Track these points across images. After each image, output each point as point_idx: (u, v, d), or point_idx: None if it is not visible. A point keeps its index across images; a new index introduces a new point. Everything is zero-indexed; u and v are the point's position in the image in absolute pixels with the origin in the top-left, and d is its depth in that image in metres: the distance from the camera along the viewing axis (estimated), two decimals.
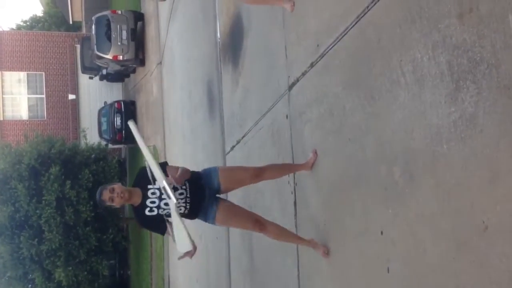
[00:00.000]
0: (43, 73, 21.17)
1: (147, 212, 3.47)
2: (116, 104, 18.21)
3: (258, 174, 3.74)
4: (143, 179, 3.52)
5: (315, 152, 3.71)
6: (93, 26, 16.25)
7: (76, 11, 27.17)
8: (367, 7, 2.93)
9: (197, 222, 3.99)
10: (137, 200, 3.48)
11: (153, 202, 3.45)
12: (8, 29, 27.77)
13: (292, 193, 4.22)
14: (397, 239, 2.72)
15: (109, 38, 15.83)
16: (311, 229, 3.82)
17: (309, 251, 3.89)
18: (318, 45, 3.61)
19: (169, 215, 3.48)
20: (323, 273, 3.68)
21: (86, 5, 25.66)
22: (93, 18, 16.57)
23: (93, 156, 15.78)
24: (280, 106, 4.44)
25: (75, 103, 21.40)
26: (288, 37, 4.20)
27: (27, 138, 15.30)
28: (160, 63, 13.28)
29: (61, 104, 21.23)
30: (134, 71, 18.14)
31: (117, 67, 17.43)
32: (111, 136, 18.09)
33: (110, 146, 18.83)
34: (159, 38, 13.49)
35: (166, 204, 3.42)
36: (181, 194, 3.49)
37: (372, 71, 2.89)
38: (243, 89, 5.72)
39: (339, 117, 3.33)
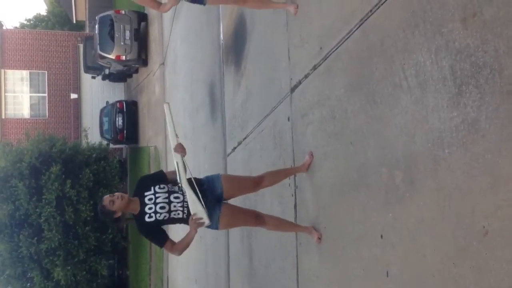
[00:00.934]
0: (46, 72, 21.19)
1: (146, 219, 3.54)
2: (118, 104, 18.23)
3: (257, 182, 3.84)
4: (140, 188, 3.63)
5: (311, 154, 3.78)
6: (97, 26, 16.28)
7: (79, 10, 27.23)
8: (371, 10, 2.93)
9: None
10: (136, 208, 3.57)
11: (150, 208, 3.53)
12: (12, 28, 27.84)
13: (292, 196, 4.21)
14: (397, 243, 2.71)
15: (112, 38, 15.85)
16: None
17: (308, 254, 3.89)
18: (321, 48, 3.61)
19: (168, 220, 3.56)
20: (322, 276, 3.67)
21: (90, 5, 25.71)
22: (96, 17, 16.59)
23: (94, 155, 15.78)
24: (282, 108, 4.44)
25: (77, 103, 21.42)
26: (291, 39, 4.21)
27: (29, 137, 15.31)
28: (163, 63, 13.30)
29: (63, 103, 21.24)
30: (136, 71, 18.15)
31: (119, 67, 17.45)
32: (112, 136, 18.10)
33: (111, 146, 18.85)
34: (162, 38, 13.50)
35: (162, 207, 3.52)
36: (176, 198, 3.54)
37: (375, 75, 2.89)
38: (245, 91, 5.73)
39: (341, 120, 3.33)
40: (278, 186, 4.33)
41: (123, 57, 16.10)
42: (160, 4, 3.94)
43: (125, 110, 18.00)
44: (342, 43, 3.29)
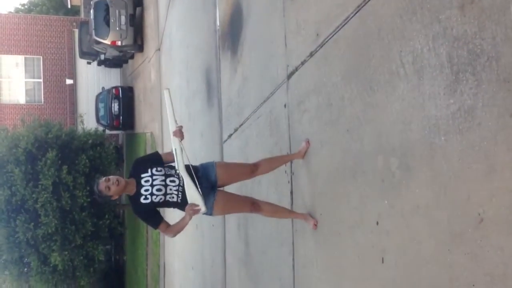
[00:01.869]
0: (41, 57, 21.03)
1: (141, 200, 3.56)
2: (114, 90, 18.15)
3: (253, 170, 3.85)
4: (137, 169, 3.64)
5: (308, 142, 3.77)
6: (92, 11, 16.14)
7: None
8: None
9: None
10: (132, 189, 3.59)
11: (146, 190, 3.55)
12: (6, 12, 27.55)
13: (289, 183, 4.22)
14: (393, 230, 2.73)
15: (107, 23, 15.73)
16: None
17: (304, 240, 3.91)
18: (318, 35, 3.59)
19: (163, 203, 3.56)
20: (318, 263, 3.69)
21: None
22: (91, 2, 16.45)
23: (90, 141, 15.73)
24: (278, 95, 4.43)
25: (73, 88, 21.30)
26: (287, 26, 4.18)
27: (24, 123, 15.24)
28: (159, 49, 13.21)
29: (58, 89, 21.12)
30: (132, 57, 18.04)
31: (115, 53, 17.34)
32: (108, 122, 18.05)
33: (107, 132, 18.80)
34: (158, 24, 13.40)
35: (159, 189, 3.54)
36: (172, 181, 3.56)
37: (372, 62, 2.88)
38: (241, 77, 5.70)
39: (337, 107, 3.33)
40: (275, 173, 4.33)
41: (119, 43, 16.00)
42: None
43: (121, 96, 17.93)
44: (339, 29, 3.27)
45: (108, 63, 19.37)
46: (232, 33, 6.10)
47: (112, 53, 17.36)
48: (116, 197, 3.57)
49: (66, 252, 14.27)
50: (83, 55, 19.73)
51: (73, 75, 21.32)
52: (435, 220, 2.36)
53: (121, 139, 21.47)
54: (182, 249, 10.04)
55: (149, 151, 14.51)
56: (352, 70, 3.12)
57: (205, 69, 7.70)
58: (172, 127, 3.57)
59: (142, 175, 3.57)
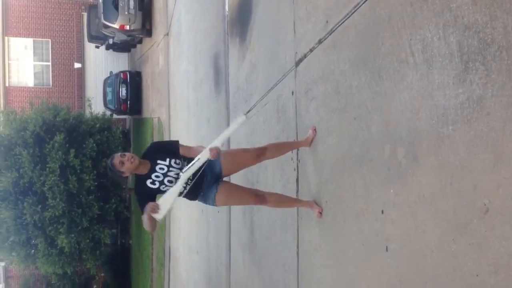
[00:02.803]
0: (50, 40, 21.04)
1: (148, 183, 3.56)
2: (122, 74, 18.15)
3: (259, 154, 3.81)
4: (155, 154, 3.62)
5: (314, 129, 3.76)
6: None
7: None
8: None
9: None
10: (143, 170, 3.58)
11: (157, 176, 3.55)
12: None
13: (295, 170, 4.22)
14: (397, 219, 2.73)
15: (116, 7, 15.68)
16: None
17: (309, 228, 3.92)
18: (327, 22, 3.57)
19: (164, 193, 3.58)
20: (322, 249, 3.71)
21: None
22: None
23: (97, 125, 15.78)
24: (286, 82, 4.41)
25: (81, 72, 21.33)
26: (297, 12, 4.15)
27: (33, 105, 15.31)
28: (167, 34, 13.17)
29: (66, 72, 21.15)
30: (140, 41, 18.00)
31: (123, 37, 17.30)
32: (116, 106, 18.08)
33: (114, 116, 18.84)
34: (166, 9, 13.34)
35: (170, 181, 3.54)
36: (177, 174, 3.56)
37: (381, 50, 2.86)
38: (249, 64, 5.68)
39: (345, 95, 3.31)
40: (281, 160, 4.34)
41: (127, 27, 15.95)
42: None
43: (129, 80, 17.93)
44: (349, 17, 3.24)
45: (116, 47, 19.34)
46: (240, 19, 6.07)
47: (120, 37, 17.32)
48: (128, 174, 3.55)
49: (73, 235, 14.41)
50: (91, 39, 19.71)
51: (81, 59, 21.34)
52: (440, 209, 2.36)
53: (128, 123, 21.52)
54: (187, 234, 10.11)
55: (156, 136, 14.54)
56: (361, 58, 3.11)
57: (214, 55, 7.68)
58: (216, 144, 3.48)
59: (159, 161, 3.56)
